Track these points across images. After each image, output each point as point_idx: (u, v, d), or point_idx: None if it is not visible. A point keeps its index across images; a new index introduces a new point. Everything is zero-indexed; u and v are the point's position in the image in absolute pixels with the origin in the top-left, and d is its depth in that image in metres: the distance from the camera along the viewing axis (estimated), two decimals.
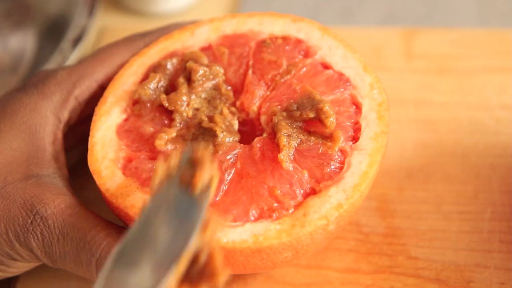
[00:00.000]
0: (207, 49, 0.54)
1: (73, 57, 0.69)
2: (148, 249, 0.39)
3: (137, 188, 0.48)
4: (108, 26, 0.79)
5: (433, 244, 0.54)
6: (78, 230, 0.47)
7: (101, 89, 0.54)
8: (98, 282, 0.37)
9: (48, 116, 0.52)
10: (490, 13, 0.77)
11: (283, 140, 0.48)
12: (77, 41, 0.70)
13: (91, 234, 0.47)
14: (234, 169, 0.48)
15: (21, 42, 0.77)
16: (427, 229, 0.55)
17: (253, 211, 0.46)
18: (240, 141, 0.50)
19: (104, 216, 0.49)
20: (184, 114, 0.51)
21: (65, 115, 0.53)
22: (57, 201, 0.48)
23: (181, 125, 0.51)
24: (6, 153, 0.50)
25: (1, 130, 0.51)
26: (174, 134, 0.50)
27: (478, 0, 0.78)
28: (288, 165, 0.47)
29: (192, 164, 0.42)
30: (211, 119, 0.50)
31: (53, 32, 0.75)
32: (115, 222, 0.49)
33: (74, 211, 0.48)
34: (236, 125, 0.50)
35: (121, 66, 0.55)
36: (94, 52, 0.57)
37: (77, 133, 0.57)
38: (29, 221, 0.47)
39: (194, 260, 0.40)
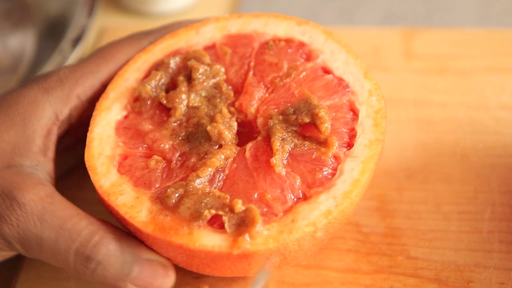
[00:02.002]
0: (211, 48, 0.54)
1: (73, 57, 0.69)
2: None
3: (130, 187, 0.48)
4: (108, 26, 0.79)
5: (433, 244, 0.54)
6: (58, 218, 0.47)
7: (104, 88, 0.54)
8: None
9: (45, 110, 0.52)
10: (490, 13, 0.77)
11: (277, 144, 0.48)
12: (77, 41, 0.70)
13: (72, 222, 0.46)
14: (227, 171, 0.48)
15: (21, 42, 0.77)
16: (427, 229, 0.55)
17: None
18: (239, 142, 0.50)
19: (102, 217, 0.49)
20: (183, 108, 0.51)
21: (64, 112, 0.53)
22: (37, 189, 0.47)
23: (178, 123, 0.51)
24: None
25: None
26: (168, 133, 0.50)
27: (478, 0, 0.78)
28: (281, 170, 0.47)
29: None
30: (212, 119, 0.50)
31: (53, 32, 0.75)
32: (115, 224, 0.49)
33: (54, 200, 0.47)
34: (235, 127, 0.50)
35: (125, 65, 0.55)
36: (97, 50, 0.57)
37: (79, 132, 0.57)
38: (5, 207, 0.47)
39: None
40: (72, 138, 0.57)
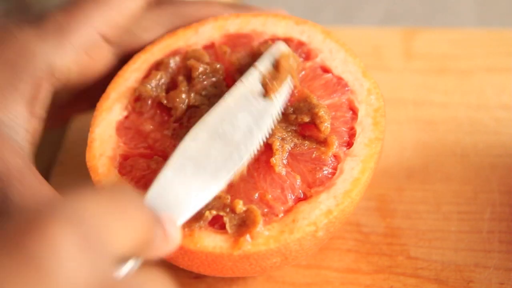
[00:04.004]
0: (209, 47, 0.54)
1: None
2: (224, 136, 0.44)
3: (131, 189, 0.48)
4: None
5: (433, 244, 0.54)
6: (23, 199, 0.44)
7: (101, 37, 0.52)
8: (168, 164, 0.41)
9: (37, 58, 0.48)
10: (490, 13, 0.77)
11: (276, 144, 0.48)
12: None
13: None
14: None
15: None
16: (427, 229, 0.55)
17: None
18: None
19: None
20: (183, 108, 0.51)
21: (59, 64, 0.49)
22: (7, 160, 0.45)
23: (179, 123, 0.51)
24: None
25: None
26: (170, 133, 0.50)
27: (478, 0, 0.78)
28: (281, 169, 0.47)
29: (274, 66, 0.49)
30: None
31: None
32: None
33: (23, 177, 0.45)
34: None
35: (119, 11, 0.53)
36: None
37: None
38: None
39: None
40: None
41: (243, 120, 0.46)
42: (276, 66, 0.50)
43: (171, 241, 0.37)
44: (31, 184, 0.45)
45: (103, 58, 0.53)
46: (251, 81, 0.48)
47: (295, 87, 0.50)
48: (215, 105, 0.47)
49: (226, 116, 0.46)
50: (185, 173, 0.42)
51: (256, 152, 0.46)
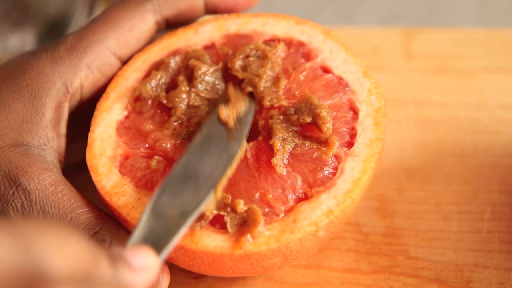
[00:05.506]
0: (210, 47, 0.54)
1: None
2: (191, 178, 0.45)
3: (132, 188, 0.48)
4: None
5: (433, 244, 0.54)
6: (59, 210, 0.46)
7: (113, 55, 0.53)
8: (146, 210, 0.43)
9: (55, 81, 0.51)
10: (490, 13, 0.77)
11: (277, 144, 0.48)
12: None
13: (71, 215, 0.46)
14: None
15: (21, 42, 0.77)
16: (427, 229, 0.55)
17: None
18: None
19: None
20: (183, 107, 0.51)
21: (75, 83, 0.52)
22: (42, 176, 0.47)
23: (179, 123, 0.51)
24: (3, 116, 0.50)
25: (3, 92, 0.50)
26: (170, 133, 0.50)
27: (478, 0, 0.78)
28: (282, 170, 0.47)
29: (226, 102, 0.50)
30: None
31: (53, 32, 0.75)
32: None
33: (57, 189, 0.47)
34: None
35: (130, 30, 0.54)
36: (102, 13, 0.55)
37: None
38: (11, 192, 0.47)
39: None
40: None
41: (208, 161, 0.47)
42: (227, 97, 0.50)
43: (140, 272, 0.37)
44: (67, 196, 0.48)
45: (114, 73, 0.54)
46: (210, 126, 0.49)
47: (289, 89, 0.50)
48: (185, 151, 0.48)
49: (194, 159, 0.47)
50: (161, 215, 0.44)
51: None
